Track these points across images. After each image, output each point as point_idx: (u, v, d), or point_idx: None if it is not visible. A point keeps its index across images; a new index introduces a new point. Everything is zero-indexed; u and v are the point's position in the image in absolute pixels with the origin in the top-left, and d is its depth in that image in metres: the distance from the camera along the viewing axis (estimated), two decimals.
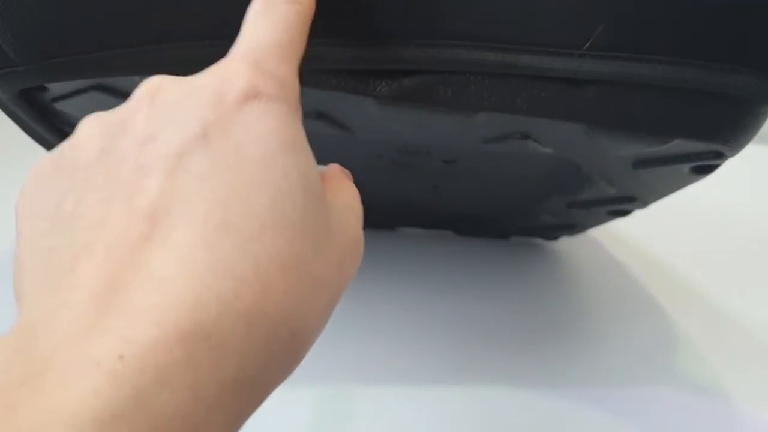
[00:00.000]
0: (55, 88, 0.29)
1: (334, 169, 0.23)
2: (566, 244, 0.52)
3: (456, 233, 0.52)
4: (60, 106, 0.31)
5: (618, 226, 0.48)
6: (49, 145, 0.35)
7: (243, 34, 0.21)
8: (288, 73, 0.20)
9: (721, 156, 0.31)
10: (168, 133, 0.17)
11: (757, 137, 0.31)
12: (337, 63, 0.27)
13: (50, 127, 0.33)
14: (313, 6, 0.22)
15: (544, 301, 0.45)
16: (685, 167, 0.33)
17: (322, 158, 0.21)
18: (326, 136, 0.32)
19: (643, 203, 0.41)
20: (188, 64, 0.23)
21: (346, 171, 0.23)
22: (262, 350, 0.16)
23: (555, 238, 0.52)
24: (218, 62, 0.20)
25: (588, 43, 0.27)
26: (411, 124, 0.31)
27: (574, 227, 0.49)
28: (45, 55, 0.27)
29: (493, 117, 0.29)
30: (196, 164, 0.16)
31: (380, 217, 0.46)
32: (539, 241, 0.53)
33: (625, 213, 0.43)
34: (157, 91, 0.18)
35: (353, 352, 0.37)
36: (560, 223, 0.47)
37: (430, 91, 0.29)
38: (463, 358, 0.37)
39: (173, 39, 0.26)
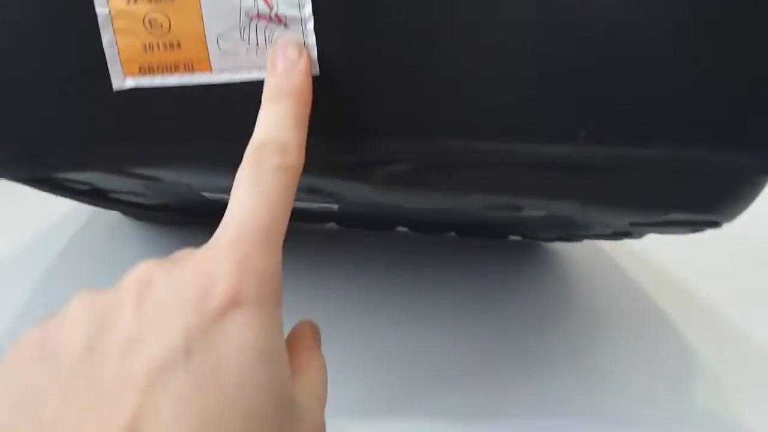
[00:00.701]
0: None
1: (306, 338, 0.24)
2: (571, 252, 0.52)
3: (457, 234, 0.52)
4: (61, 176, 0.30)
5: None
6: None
7: (231, 210, 0.21)
8: (272, 264, 0.20)
9: (717, 224, 0.31)
10: (152, 340, 0.18)
11: None
12: (330, 155, 0.27)
13: (54, 187, 0.33)
14: (301, 168, 0.22)
15: (546, 318, 0.43)
16: (682, 229, 0.33)
17: None
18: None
19: (641, 235, 0.42)
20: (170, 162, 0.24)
21: (316, 333, 0.24)
22: None
23: (553, 240, 0.52)
24: (206, 250, 0.20)
25: (584, 132, 0.27)
26: (404, 199, 0.31)
27: (573, 240, 0.49)
28: (31, 154, 0.26)
29: (487, 197, 0.29)
30: (176, 383, 0.17)
31: (378, 222, 0.46)
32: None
33: (627, 235, 0.43)
34: (147, 284, 0.19)
35: (351, 353, 0.37)
36: (560, 237, 0.47)
37: (423, 175, 0.28)
38: (464, 371, 0.37)
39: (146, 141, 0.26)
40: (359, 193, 0.30)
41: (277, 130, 0.22)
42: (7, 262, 0.43)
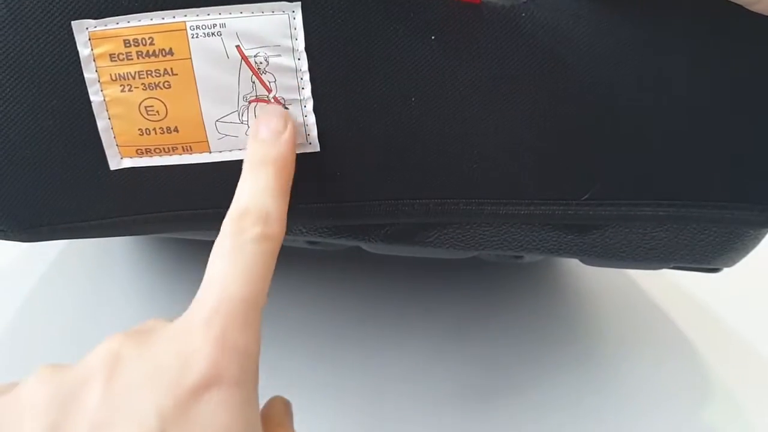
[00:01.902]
0: None
1: (277, 416, 0.23)
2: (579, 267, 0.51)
3: None
4: None
5: None
6: None
7: (209, 281, 0.20)
8: (250, 340, 0.19)
9: (717, 270, 0.32)
10: (123, 424, 0.17)
11: None
12: (330, 220, 0.27)
13: None
14: (282, 237, 0.21)
15: (556, 334, 0.43)
16: (680, 269, 0.33)
17: None
18: None
19: None
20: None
21: (288, 410, 0.24)
22: None
23: None
24: (183, 323, 0.19)
25: (588, 194, 0.26)
26: (404, 252, 0.31)
27: None
28: (30, 225, 0.26)
29: (487, 252, 0.29)
30: None
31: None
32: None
33: None
34: (116, 362, 0.18)
35: (353, 361, 0.37)
36: None
37: (423, 233, 0.28)
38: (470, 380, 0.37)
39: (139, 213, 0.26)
40: (358, 247, 0.30)
41: (259, 198, 0.21)
42: (7, 262, 0.43)
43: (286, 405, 0.24)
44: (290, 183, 0.23)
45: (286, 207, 0.22)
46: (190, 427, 0.17)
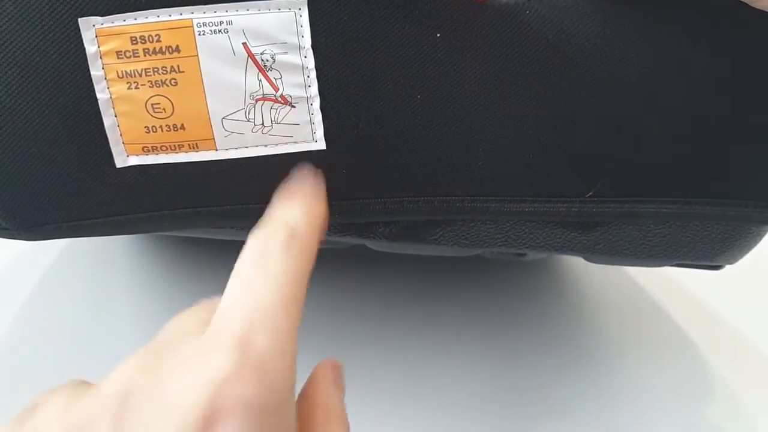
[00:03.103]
0: None
1: (326, 393, 0.21)
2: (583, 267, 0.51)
3: None
4: None
5: None
6: None
7: (232, 294, 0.18)
8: (278, 357, 0.17)
9: (719, 267, 0.32)
10: None
11: None
12: (334, 219, 0.27)
13: None
14: (314, 256, 0.20)
15: (557, 333, 0.43)
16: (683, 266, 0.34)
17: None
18: None
19: None
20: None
21: (339, 376, 0.22)
22: None
23: None
24: (204, 339, 0.17)
25: (592, 191, 0.26)
26: (408, 250, 0.31)
27: None
28: (35, 224, 0.26)
29: (491, 250, 0.29)
30: None
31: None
32: None
33: None
34: (126, 399, 0.17)
35: (354, 358, 0.36)
36: None
37: (428, 231, 0.28)
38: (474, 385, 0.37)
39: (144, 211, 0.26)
40: (361, 245, 0.30)
41: (288, 217, 0.21)
42: (7, 262, 0.43)
43: (336, 375, 0.22)
44: (318, 235, 0.22)
45: (318, 234, 0.21)
46: None
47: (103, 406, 0.17)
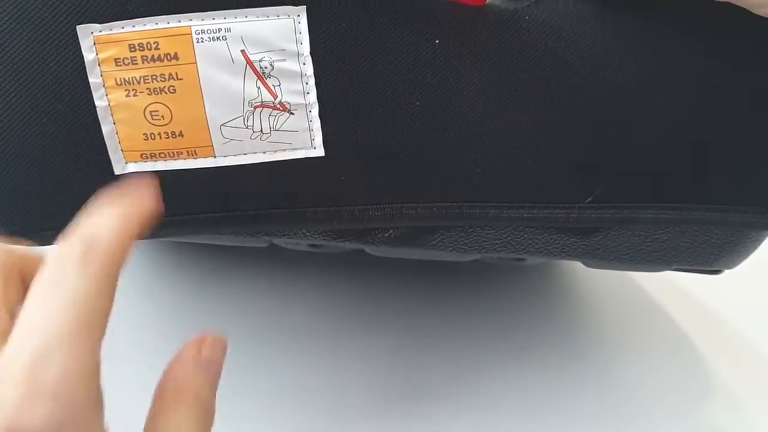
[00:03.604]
0: None
1: (179, 374, 0.20)
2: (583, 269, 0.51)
3: None
4: None
5: None
6: None
7: (27, 316, 0.17)
8: (72, 380, 0.16)
9: (718, 272, 0.32)
10: None
11: None
12: (333, 224, 0.27)
13: None
14: (121, 265, 0.19)
15: (557, 335, 0.42)
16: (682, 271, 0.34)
17: None
18: None
19: None
20: None
21: (204, 357, 0.21)
22: None
23: None
24: None
25: (591, 197, 0.26)
26: (408, 255, 0.31)
27: None
28: (34, 230, 0.26)
29: (490, 255, 0.29)
30: None
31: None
32: None
33: None
34: None
35: (354, 363, 0.37)
36: None
37: (427, 237, 0.28)
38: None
39: None
40: (360, 251, 0.30)
41: (91, 221, 0.18)
42: None
43: (196, 357, 0.21)
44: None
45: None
46: None
47: None
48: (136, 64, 0.22)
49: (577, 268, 0.48)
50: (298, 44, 0.23)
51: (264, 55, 0.23)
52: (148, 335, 0.38)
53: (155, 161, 0.24)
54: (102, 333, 0.17)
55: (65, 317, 0.17)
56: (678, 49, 0.24)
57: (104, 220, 0.19)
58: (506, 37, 0.24)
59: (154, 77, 0.22)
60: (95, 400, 0.17)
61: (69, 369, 0.16)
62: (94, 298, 0.17)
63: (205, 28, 0.22)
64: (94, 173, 0.24)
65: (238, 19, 0.22)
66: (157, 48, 0.22)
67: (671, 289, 0.48)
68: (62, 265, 0.17)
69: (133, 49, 0.22)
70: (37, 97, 0.23)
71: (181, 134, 0.23)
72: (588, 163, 0.26)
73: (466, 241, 0.29)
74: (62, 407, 0.16)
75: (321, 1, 0.22)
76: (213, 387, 0.21)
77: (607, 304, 0.46)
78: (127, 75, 0.22)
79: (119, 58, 0.22)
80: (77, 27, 0.22)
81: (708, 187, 0.27)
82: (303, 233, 0.28)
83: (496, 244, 0.29)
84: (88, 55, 0.22)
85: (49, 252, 0.18)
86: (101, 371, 0.17)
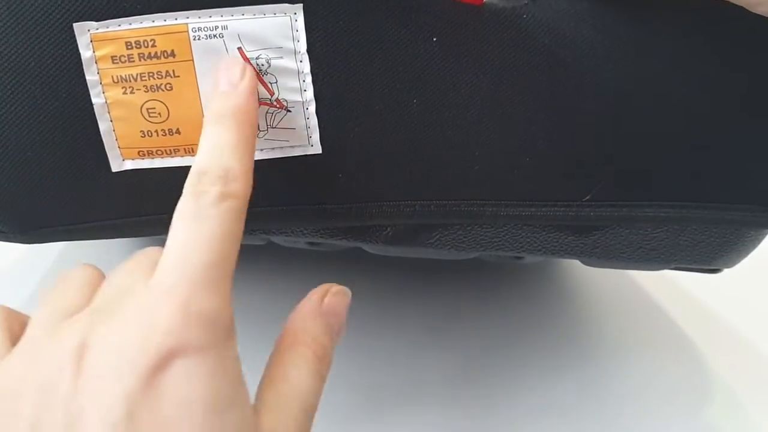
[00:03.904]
0: None
1: (301, 319, 0.22)
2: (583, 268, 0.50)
3: None
4: None
5: None
6: None
7: (170, 247, 0.19)
8: (218, 303, 0.18)
9: (717, 271, 0.32)
10: (93, 413, 0.17)
11: None
12: (331, 221, 0.27)
13: None
14: (248, 195, 0.20)
15: (556, 335, 0.42)
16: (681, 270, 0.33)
17: None
18: None
19: None
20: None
21: (326, 305, 0.22)
22: None
23: None
24: (146, 294, 0.18)
25: (589, 195, 0.26)
26: (406, 253, 0.31)
27: None
28: (32, 227, 0.26)
29: (488, 253, 0.29)
30: None
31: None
32: None
33: None
34: (82, 349, 0.18)
35: (352, 361, 0.37)
36: None
37: (425, 235, 0.28)
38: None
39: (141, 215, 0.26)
40: (358, 249, 0.30)
41: (219, 156, 0.20)
42: (7, 263, 0.43)
43: (319, 302, 0.23)
44: (254, 135, 0.21)
45: (251, 161, 0.21)
46: (158, 404, 0.17)
47: (62, 361, 0.18)
48: (133, 61, 0.22)
49: (576, 267, 0.48)
50: (295, 42, 0.23)
51: (261, 52, 0.23)
52: None
53: (152, 158, 0.24)
54: (233, 268, 0.19)
55: (209, 253, 0.19)
56: (675, 47, 0.24)
57: (232, 152, 0.20)
58: (504, 36, 0.24)
59: (150, 75, 0.22)
60: (231, 329, 0.19)
61: (213, 300, 0.18)
62: (230, 236, 0.19)
63: (202, 25, 0.22)
64: (91, 171, 0.24)
65: (234, 17, 0.22)
66: (153, 45, 0.22)
67: (671, 289, 0.47)
68: (201, 204, 0.19)
69: (129, 47, 0.22)
70: (35, 95, 0.23)
71: (178, 131, 0.23)
72: (586, 162, 0.26)
73: (464, 240, 0.28)
74: (210, 333, 0.18)
75: None
76: (331, 335, 0.23)
77: (606, 304, 0.45)
78: (124, 72, 0.22)
79: (116, 56, 0.22)
80: (74, 24, 0.22)
81: (707, 185, 0.27)
82: (301, 231, 0.28)
83: (495, 242, 0.29)
84: (85, 53, 0.22)
85: (187, 181, 0.20)
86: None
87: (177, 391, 0.17)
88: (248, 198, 0.20)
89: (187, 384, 0.17)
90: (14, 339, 0.20)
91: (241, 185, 0.20)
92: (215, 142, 0.20)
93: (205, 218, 0.19)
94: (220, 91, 0.22)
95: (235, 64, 0.22)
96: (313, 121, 0.24)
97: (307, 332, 0.22)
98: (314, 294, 0.23)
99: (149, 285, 0.19)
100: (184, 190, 0.20)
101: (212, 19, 0.22)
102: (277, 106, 0.23)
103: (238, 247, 0.20)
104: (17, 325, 0.21)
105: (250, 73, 0.22)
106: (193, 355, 0.17)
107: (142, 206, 0.25)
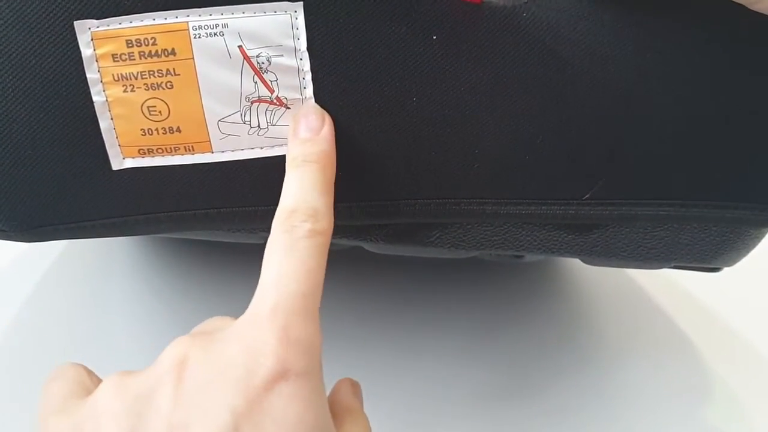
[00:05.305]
0: None
1: (346, 399, 0.23)
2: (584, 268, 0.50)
3: None
4: None
5: None
6: None
7: (267, 280, 0.20)
8: (313, 332, 0.20)
9: (717, 270, 0.32)
10: (198, 424, 0.17)
11: None
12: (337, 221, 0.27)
13: None
14: (331, 231, 0.22)
15: (556, 334, 0.42)
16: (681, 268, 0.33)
17: None
18: None
19: None
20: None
21: (357, 390, 0.24)
22: None
23: None
24: (246, 321, 0.20)
25: (589, 194, 0.26)
26: (406, 252, 0.31)
27: None
28: (32, 225, 0.26)
29: (488, 252, 0.29)
30: None
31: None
32: None
33: None
34: (183, 365, 0.19)
35: (352, 360, 0.36)
36: None
37: (425, 233, 0.28)
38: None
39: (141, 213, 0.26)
40: (358, 247, 0.30)
41: (306, 196, 0.22)
42: (7, 262, 0.43)
43: (354, 386, 0.24)
44: (333, 177, 0.23)
45: (332, 201, 0.23)
46: (263, 421, 0.18)
47: (162, 374, 0.19)
48: (134, 59, 0.22)
49: (576, 266, 0.48)
50: (295, 40, 0.23)
51: (261, 50, 0.23)
52: (145, 333, 0.38)
53: (153, 156, 0.24)
54: (320, 296, 0.21)
55: (304, 283, 0.20)
56: (675, 45, 0.24)
57: (318, 193, 0.22)
58: (504, 34, 0.24)
59: (151, 73, 0.23)
60: (320, 357, 0.20)
61: (308, 328, 0.20)
62: (320, 265, 0.21)
63: (203, 23, 0.22)
64: (91, 169, 0.24)
65: (235, 15, 0.22)
66: (154, 44, 0.22)
67: (671, 289, 0.47)
68: (294, 238, 0.21)
69: (130, 45, 0.22)
70: (35, 93, 0.23)
71: (178, 130, 0.23)
72: (585, 160, 0.26)
73: (464, 238, 0.29)
74: (308, 359, 0.19)
75: None
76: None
77: (606, 303, 0.45)
78: (125, 70, 0.23)
79: (117, 54, 0.22)
80: (75, 23, 0.22)
81: (707, 183, 0.27)
82: None
83: (494, 240, 0.29)
84: (86, 51, 0.22)
85: (278, 219, 0.21)
86: None
87: (281, 413, 0.18)
88: (331, 234, 0.22)
89: (292, 406, 0.18)
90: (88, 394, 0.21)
91: (327, 223, 0.22)
92: (303, 183, 0.22)
93: (297, 251, 0.20)
94: (302, 138, 0.23)
95: (312, 111, 0.24)
96: None
97: (354, 405, 0.23)
98: (345, 379, 0.25)
99: (248, 312, 0.20)
100: (274, 227, 0.21)
101: (213, 17, 0.22)
102: (277, 103, 0.23)
103: (323, 280, 0.21)
104: (92, 384, 0.21)
105: (328, 120, 0.24)
106: (295, 379, 0.19)
107: (142, 204, 0.25)
